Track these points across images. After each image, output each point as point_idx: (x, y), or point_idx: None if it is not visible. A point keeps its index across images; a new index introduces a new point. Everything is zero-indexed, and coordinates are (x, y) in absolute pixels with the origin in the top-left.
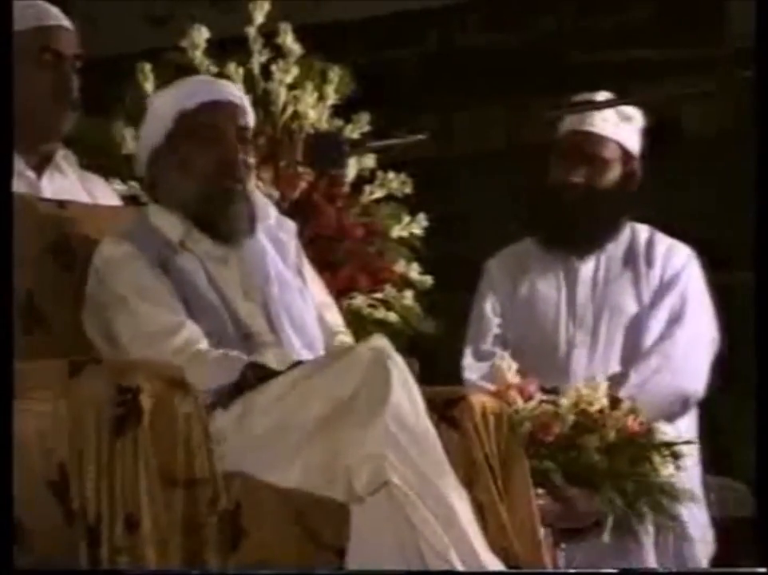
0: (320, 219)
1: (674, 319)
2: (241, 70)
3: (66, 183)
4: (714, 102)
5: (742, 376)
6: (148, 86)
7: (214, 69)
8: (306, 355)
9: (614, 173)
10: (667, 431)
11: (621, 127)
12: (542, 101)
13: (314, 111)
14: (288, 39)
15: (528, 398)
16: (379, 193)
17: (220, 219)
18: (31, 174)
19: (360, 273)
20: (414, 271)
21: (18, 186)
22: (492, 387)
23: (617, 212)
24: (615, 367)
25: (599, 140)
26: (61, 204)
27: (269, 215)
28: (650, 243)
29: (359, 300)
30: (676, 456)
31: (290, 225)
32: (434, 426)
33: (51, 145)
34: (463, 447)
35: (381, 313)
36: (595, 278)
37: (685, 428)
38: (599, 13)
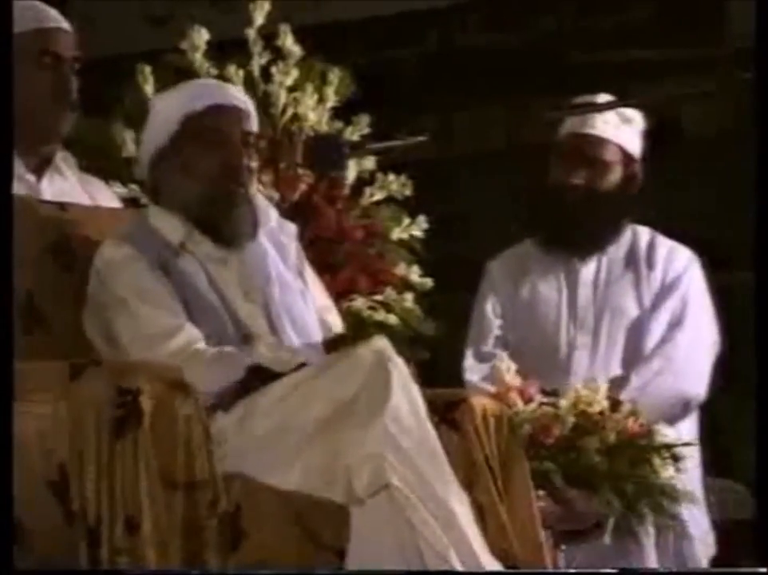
0: (320, 221)
1: (676, 322)
2: (241, 72)
3: (66, 185)
4: (714, 102)
5: (742, 376)
6: (148, 88)
7: (214, 71)
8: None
9: (615, 176)
10: (668, 433)
11: (622, 129)
12: (542, 101)
13: (314, 113)
14: (288, 41)
15: (528, 399)
16: (379, 195)
17: (223, 222)
18: (30, 176)
19: (360, 275)
20: (414, 274)
21: (18, 188)
22: (492, 389)
23: (618, 214)
24: (616, 369)
25: (599, 142)
26: (62, 205)
27: (270, 218)
28: (651, 246)
29: (359, 302)
30: (676, 458)
31: (291, 228)
32: (435, 428)
33: (50, 147)
34: (463, 449)
35: (381, 315)
36: (597, 280)
37: (685, 430)
38: (599, 13)
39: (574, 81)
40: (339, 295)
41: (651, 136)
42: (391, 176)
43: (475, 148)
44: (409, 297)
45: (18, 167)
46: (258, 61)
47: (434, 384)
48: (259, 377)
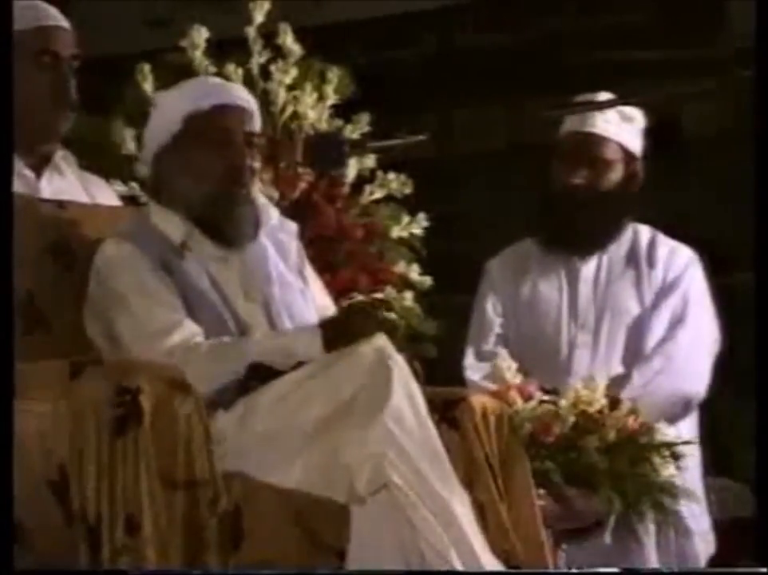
0: (320, 219)
1: (676, 321)
2: (240, 71)
3: (65, 183)
4: (714, 102)
5: (742, 376)
6: (148, 87)
7: (213, 69)
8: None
9: (616, 174)
10: (668, 432)
11: (623, 128)
12: (542, 101)
13: (314, 111)
14: (288, 40)
15: (528, 398)
16: (379, 194)
17: (225, 222)
18: (30, 175)
19: (360, 274)
20: (414, 272)
21: (17, 187)
22: (493, 387)
23: (619, 212)
24: (616, 368)
25: (600, 141)
26: (61, 204)
27: (271, 217)
28: (652, 245)
29: None
30: (676, 456)
31: (292, 227)
32: (435, 427)
33: (50, 146)
34: (463, 447)
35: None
36: (597, 278)
37: (685, 429)
38: (599, 13)
39: (574, 81)
40: (339, 293)
41: (651, 136)
42: (391, 175)
43: (475, 148)
44: (408, 296)
45: (18, 165)
46: (257, 60)
47: (434, 383)
48: (259, 375)
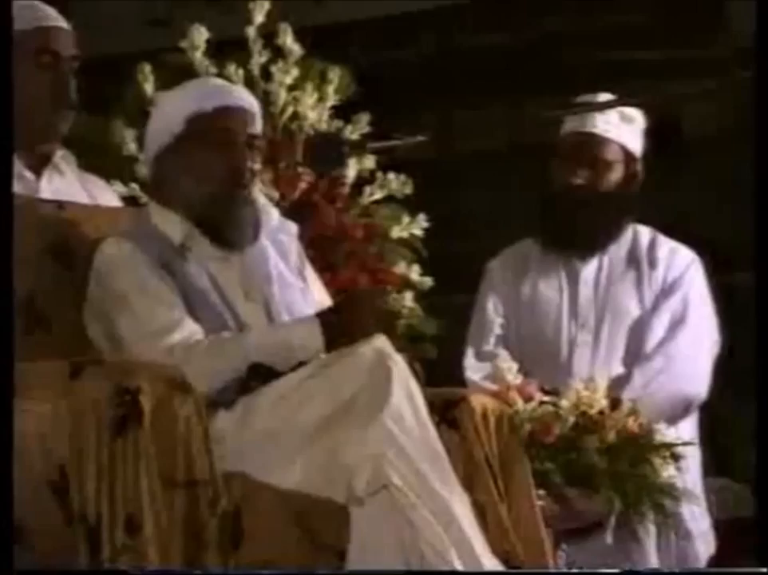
0: (320, 220)
1: (677, 322)
2: (241, 71)
3: (65, 184)
4: (714, 102)
5: (742, 376)
6: (148, 87)
7: (213, 69)
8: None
9: (616, 175)
10: (668, 433)
11: (623, 128)
12: (542, 101)
13: (314, 112)
14: (288, 40)
15: (528, 399)
16: (379, 194)
17: (225, 223)
18: (30, 175)
19: (360, 274)
20: (414, 272)
21: (17, 187)
22: (493, 388)
23: (619, 213)
24: (617, 369)
25: (601, 141)
26: (61, 204)
27: (272, 218)
28: (652, 245)
29: None
30: (676, 457)
31: (292, 227)
32: (435, 427)
33: (49, 146)
34: (463, 448)
35: None
36: (598, 279)
37: (685, 430)
38: (599, 13)
39: (574, 81)
40: (339, 293)
41: (651, 136)
42: (391, 175)
43: (475, 148)
44: (409, 296)
45: (17, 165)
46: (258, 60)
47: (434, 383)
48: (259, 376)
